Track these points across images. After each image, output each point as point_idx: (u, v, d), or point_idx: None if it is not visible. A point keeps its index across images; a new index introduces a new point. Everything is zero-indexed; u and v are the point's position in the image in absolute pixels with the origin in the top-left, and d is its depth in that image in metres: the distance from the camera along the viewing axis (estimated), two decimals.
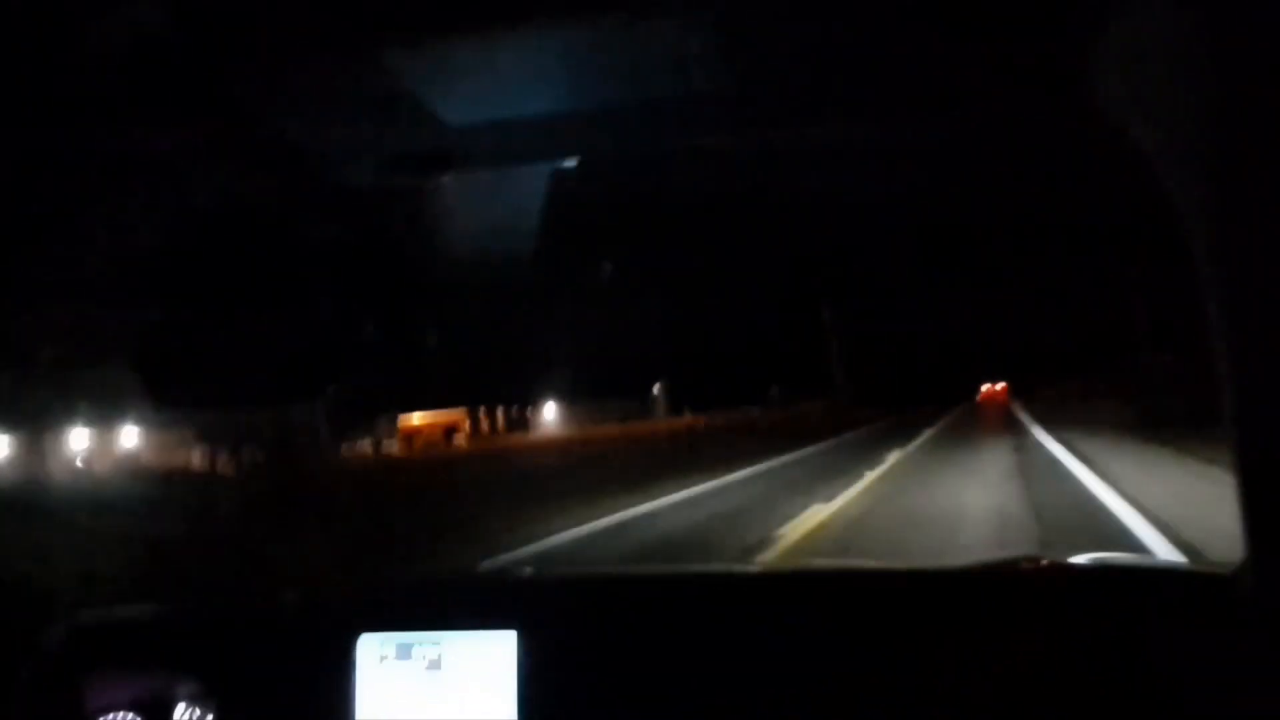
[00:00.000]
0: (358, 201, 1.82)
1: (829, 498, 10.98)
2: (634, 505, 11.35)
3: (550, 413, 32.65)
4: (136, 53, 1.22)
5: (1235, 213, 1.00)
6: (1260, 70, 0.94)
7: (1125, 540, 6.75)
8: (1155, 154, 1.13)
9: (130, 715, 1.67)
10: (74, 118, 1.35)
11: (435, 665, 1.58)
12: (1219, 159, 1.01)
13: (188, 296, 1.87)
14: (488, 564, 7.09)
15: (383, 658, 1.59)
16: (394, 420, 25.38)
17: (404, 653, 1.59)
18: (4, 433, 14.02)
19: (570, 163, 1.76)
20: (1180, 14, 1.00)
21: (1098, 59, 1.19)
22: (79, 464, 17.03)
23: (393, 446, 25.77)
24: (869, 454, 17.45)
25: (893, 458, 16.85)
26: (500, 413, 31.31)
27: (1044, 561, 1.66)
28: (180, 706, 1.66)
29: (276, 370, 1.95)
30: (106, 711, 1.66)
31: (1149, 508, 7.95)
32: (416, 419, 26.74)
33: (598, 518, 10.30)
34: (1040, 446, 16.85)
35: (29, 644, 1.69)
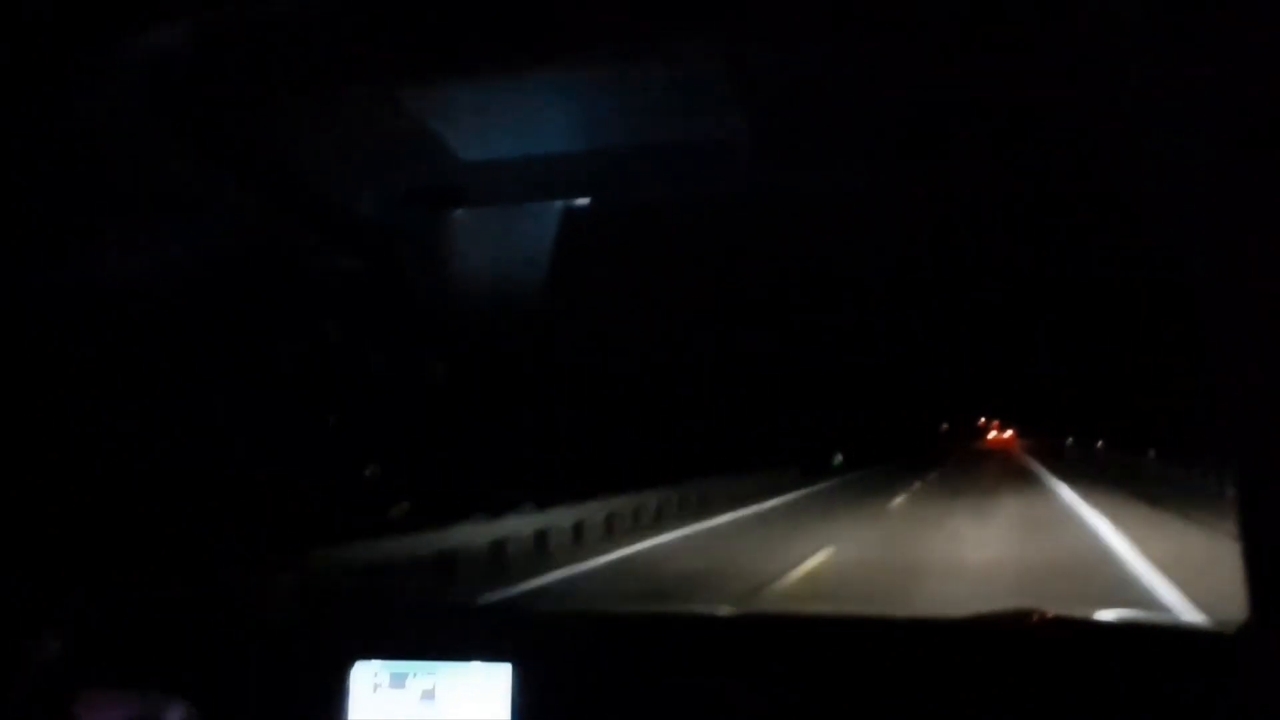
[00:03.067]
0: (370, 235, 1.84)
1: None
2: None
3: None
4: (154, 86, 1.24)
5: (1244, 272, 1.01)
6: (1263, 106, 0.96)
7: None
8: (1158, 196, 1.14)
9: None
10: (92, 148, 1.37)
11: (429, 695, 1.58)
12: (1224, 198, 1.02)
13: (200, 327, 1.89)
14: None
15: (376, 686, 1.59)
16: None
17: (398, 681, 1.59)
18: None
19: (581, 202, 1.79)
20: (1181, 51, 1.02)
21: (1105, 100, 1.21)
22: None
23: None
24: None
25: None
26: None
27: (1044, 615, 1.66)
28: None
29: (286, 398, 1.97)
30: None
31: None
32: None
33: None
34: None
35: (19, 662, 1.69)
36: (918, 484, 26.00)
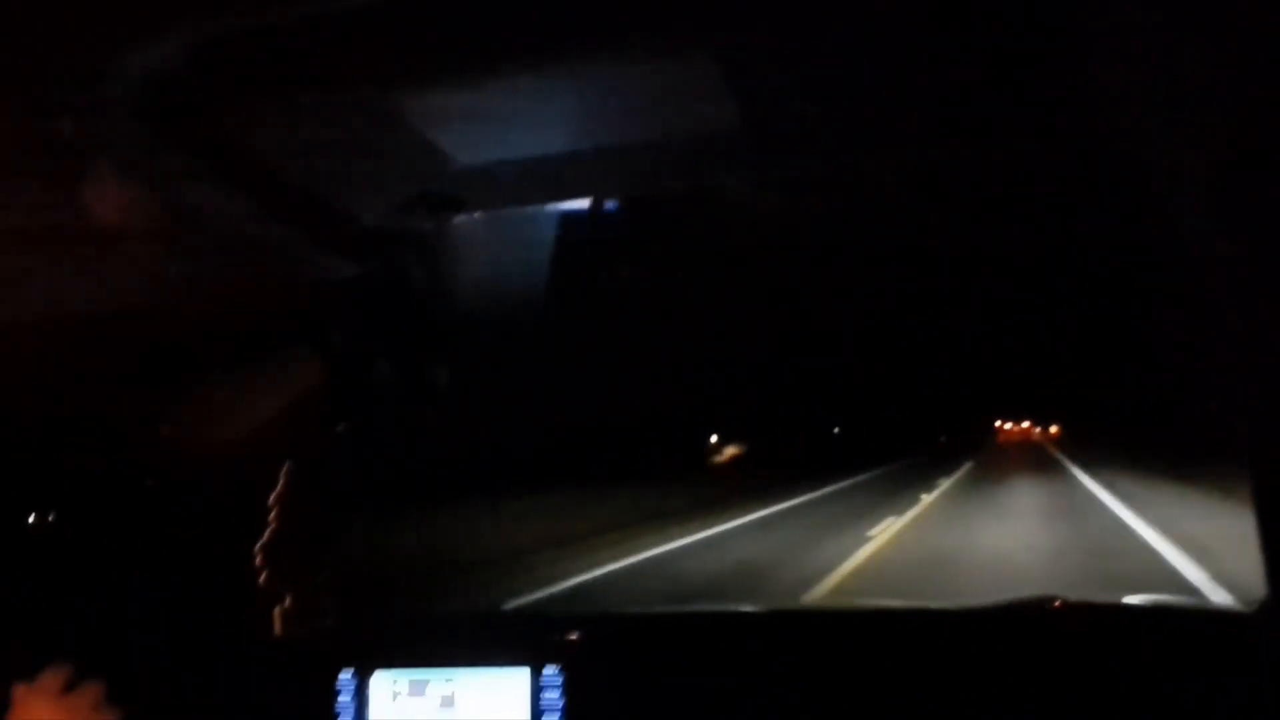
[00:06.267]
0: (372, 244, 1.83)
1: None
2: None
3: None
4: (148, 95, 1.24)
5: (1250, 254, 1.00)
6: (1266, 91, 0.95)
7: None
8: (1162, 177, 1.14)
9: None
10: (87, 163, 1.37)
11: (449, 702, 1.57)
12: (1227, 177, 1.01)
13: (199, 336, 1.89)
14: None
15: (396, 694, 1.59)
16: None
17: (418, 689, 1.59)
18: None
19: (582, 203, 1.78)
20: (1183, 35, 1.01)
21: (1103, 84, 1.20)
22: None
23: None
24: None
25: None
26: None
27: (1066, 601, 1.66)
28: None
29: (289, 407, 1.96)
30: None
31: None
32: None
33: None
34: None
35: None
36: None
